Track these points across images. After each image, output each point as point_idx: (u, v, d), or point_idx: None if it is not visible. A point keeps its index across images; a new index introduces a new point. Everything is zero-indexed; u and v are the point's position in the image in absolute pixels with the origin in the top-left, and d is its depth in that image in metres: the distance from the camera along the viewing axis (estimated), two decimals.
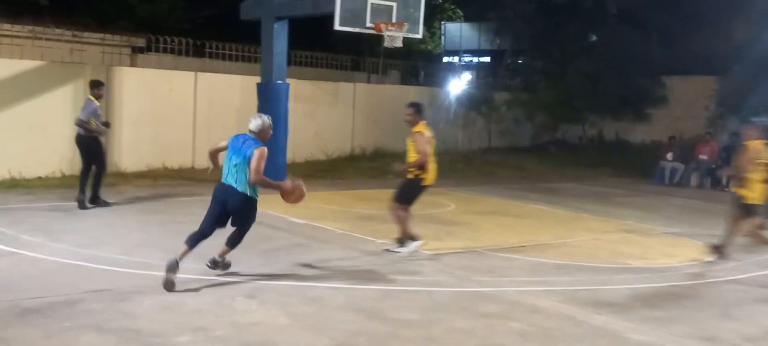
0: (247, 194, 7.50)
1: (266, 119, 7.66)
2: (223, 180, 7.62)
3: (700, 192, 17.46)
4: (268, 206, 12.19)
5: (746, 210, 9.05)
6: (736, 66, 19.34)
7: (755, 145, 9.11)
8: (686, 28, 23.80)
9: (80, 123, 11.56)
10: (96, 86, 11.85)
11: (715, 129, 19.65)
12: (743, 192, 9.06)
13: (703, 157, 18.27)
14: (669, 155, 18.81)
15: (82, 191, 11.62)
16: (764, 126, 9.50)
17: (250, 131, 7.59)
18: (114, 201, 12.18)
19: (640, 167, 20.02)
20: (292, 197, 7.81)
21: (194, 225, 10.62)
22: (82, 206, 11.53)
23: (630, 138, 24.17)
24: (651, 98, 23.20)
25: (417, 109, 9.09)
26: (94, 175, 11.79)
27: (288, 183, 7.85)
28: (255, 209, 7.72)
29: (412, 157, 8.99)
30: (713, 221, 12.57)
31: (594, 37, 25.69)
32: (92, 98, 11.68)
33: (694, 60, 22.85)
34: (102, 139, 12.07)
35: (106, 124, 12.36)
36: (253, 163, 7.31)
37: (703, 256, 9.51)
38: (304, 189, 7.87)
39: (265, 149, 7.42)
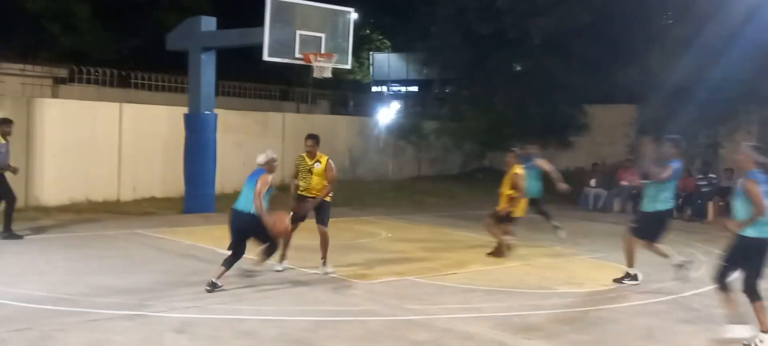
0: (251, 213, 8.53)
1: (270, 153, 8.88)
2: (233, 206, 8.77)
3: (622, 217, 17.96)
4: (197, 239, 12.04)
5: (506, 219, 11.34)
6: (653, 94, 20.08)
7: (518, 169, 11.48)
8: (606, 58, 24.60)
9: None
10: (3, 124, 11.74)
11: (635, 155, 20.29)
12: (510, 208, 11.26)
13: (625, 183, 18.85)
14: (592, 181, 19.34)
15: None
16: (521, 154, 12.01)
17: (259, 164, 8.79)
18: (25, 234, 11.91)
19: (564, 194, 20.46)
20: (275, 228, 8.72)
21: (121, 259, 10.41)
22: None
23: (555, 165, 24.72)
24: (574, 125, 23.87)
25: (317, 140, 9.77)
26: (3, 209, 11.63)
27: (271, 217, 8.68)
28: (260, 222, 8.60)
29: (320, 183, 9.65)
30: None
31: (518, 67, 26.32)
32: None
33: (614, 88, 23.60)
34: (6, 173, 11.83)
35: (14, 170, 12.01)
36: (257, 186, 8.50)
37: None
38: (287, 222, 8.98)
39: (268, 176, 8.68)
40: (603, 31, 24.12)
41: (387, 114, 23.80)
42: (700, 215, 17.19)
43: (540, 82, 23.46)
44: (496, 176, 24.42)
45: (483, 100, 24.71)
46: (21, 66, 18.71)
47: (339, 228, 13.50)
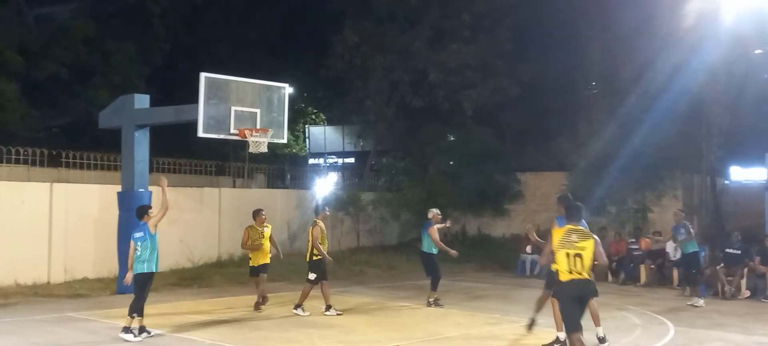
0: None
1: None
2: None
3: None
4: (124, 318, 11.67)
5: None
6: (582, 162, 20.71)
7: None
8: (536, 128, 25.41)
9: None
10: None
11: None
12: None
13: None
14: (528, 248, 19.62)
15: None
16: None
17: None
18: None
19: (501, 260, 20.74)
20: None
21: None
22: None
23: (491, 232, 25.12)
24: (508, 193, 24.34)
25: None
26: None
27: None
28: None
29: None
30: None
31: (452, 137, 26.84)
32: None
33: (545, 157, 24.31)
34: None
35: None
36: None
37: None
38: None
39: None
40: (532, 102, 25.00)
41: (324, 186, 23.84)
42: (633, 278, 17.59)
43: (473, 151, 23.96)
44: None
45: (418, 170, 25.04)
46: None
47: (277, 302, 13.39)
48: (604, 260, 8.46)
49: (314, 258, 12.57)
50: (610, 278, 18.10)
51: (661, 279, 17.38)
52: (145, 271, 10.44)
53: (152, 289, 14.70)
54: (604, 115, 20.40)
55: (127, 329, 10.29)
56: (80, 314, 12.47)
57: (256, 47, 29.33)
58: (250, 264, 13.23)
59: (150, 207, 11.23)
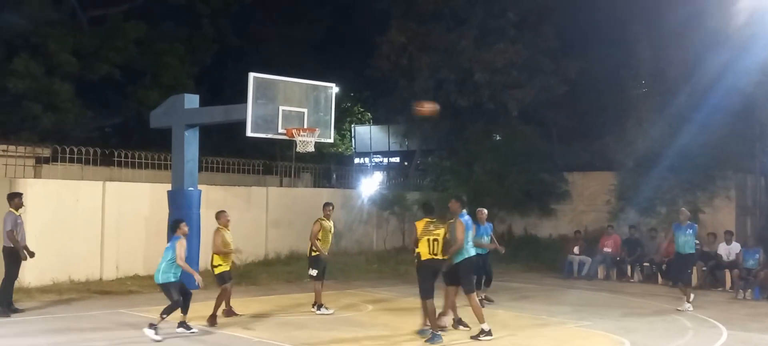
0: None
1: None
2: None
3: (607, 284, 18.05)
4: (182, 316, 11.91)
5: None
6: (630, 161, 20.38)
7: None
8: (583, 126, 25.09)
9: (8, 235, 12.09)
10: (12, 198, 12.42)
11: (616, 222, 20.44)
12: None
13: (607, 249, 18.94)
14: (576, 249, 19.41)
15: (7, 302, 12.14)
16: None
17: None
18: (24, 308, 12.38)
19: (548, 261, 20.55)
20: None
21: (105, 342, 10.30)
22: (4, 314, 11.90)
23: (538, 233, 24.88)
24: (554, 193, 24.08)
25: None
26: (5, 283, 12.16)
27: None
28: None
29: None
30: (621, 312, 13.02)
31: (497, 136, 26.67)
32: (12, 210, 12.28)
33: (592, 156, 23.99)
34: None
35: (31, 254, 12.56)
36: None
37: None
38: None
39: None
40: (579, 101, 24.71)
41: (370, 185, 23.91)
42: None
43: (519, 151, 23.79)
44: None
45: (463, 170, 24.93)
46: (3, 147, 18.68)
47: (324, 301, 13.48)
48: (460, 238, 10.52)
49: (312, 254, 12.67)
50: (660, 279, 17.81)
51: (712, 282, 17.03)
52: (172, 280, 10.62)
53: (202, 286, 14.98)
54: (653, 114, 20.04)
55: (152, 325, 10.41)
56: (132, 310, 12.75)
57: (303, 47, 29.55)
58: (220, 271, 11.93)
59: (182, 221, 11.11)
